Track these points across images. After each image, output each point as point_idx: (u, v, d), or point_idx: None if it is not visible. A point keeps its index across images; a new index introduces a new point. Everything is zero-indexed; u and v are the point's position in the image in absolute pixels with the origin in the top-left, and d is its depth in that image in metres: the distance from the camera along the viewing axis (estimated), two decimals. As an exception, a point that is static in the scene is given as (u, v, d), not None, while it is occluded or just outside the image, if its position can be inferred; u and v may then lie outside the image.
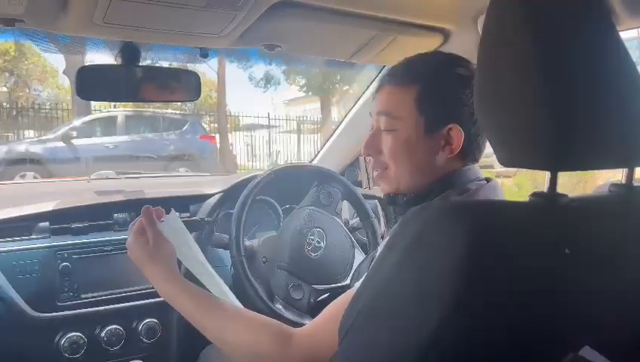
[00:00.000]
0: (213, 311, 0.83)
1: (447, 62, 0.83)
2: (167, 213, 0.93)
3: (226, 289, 0.97)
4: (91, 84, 1.10)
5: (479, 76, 0.54)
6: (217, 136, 9.60)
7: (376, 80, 1.57)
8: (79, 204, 1.35)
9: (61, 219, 1.28)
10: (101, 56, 1.21)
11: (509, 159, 0.53)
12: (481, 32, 0.54)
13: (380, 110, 0.84)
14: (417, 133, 0.81)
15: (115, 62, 1.13)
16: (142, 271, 0.89)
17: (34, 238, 1.24)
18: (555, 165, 0.50)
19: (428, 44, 1.20)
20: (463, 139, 0.79)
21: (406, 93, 0.81)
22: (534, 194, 0.52)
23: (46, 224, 1.26)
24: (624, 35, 0.95)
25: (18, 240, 1.22)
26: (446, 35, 1.19)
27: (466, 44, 1.14)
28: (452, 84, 0.80)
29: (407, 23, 1.13)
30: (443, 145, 0.80)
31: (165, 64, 1.38)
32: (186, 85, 1.19)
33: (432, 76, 0.82)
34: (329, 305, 0.77)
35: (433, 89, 0.81)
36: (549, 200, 0.51)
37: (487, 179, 0.84)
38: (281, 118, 11.63)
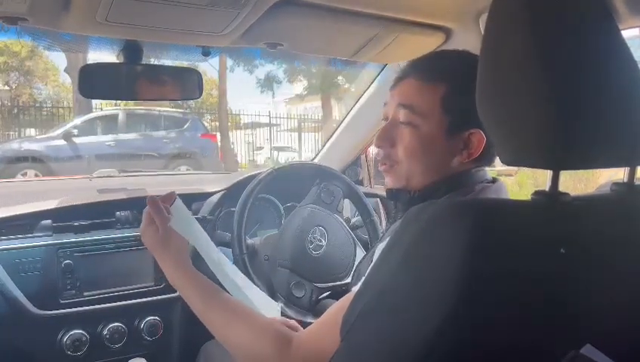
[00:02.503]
0: (218, 307, 0.83)
1: (473, 63, 0.81)
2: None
3: (234, 271, 0.96)
4: (93, 82, 1.10)
5: (481, 75, 0.54)
6: (218, 135, 9.61)
7: (377, 78, 1.57)
8: (81, 202, 1.35)
9: (63, 217, 1.29)
10: (103, 55, 1.21)
11: (510, 158, 0.53)
12: (483, 31, 0.54)
13: (402, 102, 0.81)
14: (439, 132, 0.79)
15: (118, 61, 1.14)
16: (155, 256, 0.89)
17: (36, 236, 1.24)
18: (556, 164, 0.50)
19: (430, 42, 1.20)
20: (484, 144, 0.78)
21: (432, 90, 0.79)
22: (536, 193, 0.52)
23: (48, 222, 1.26)
24: (626, 33, 0.95)
25: (20, 238, 1.23)
26: (448, 33, 1.18)
27: (468, 43, 1.14)
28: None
29: (409, 22, 1.13)
30: (461, 148, 0.79)
31: (167, 62, 1.38)
32: (187, 83, 1.19)
33: (460, 76, 0.78)
34: (328, 309, 0.76)
35: (460, 90, 0.77)
36: (550, 198, 0.51)
37: (494, 180, 0.83)
38: (282, 116, 11.63)
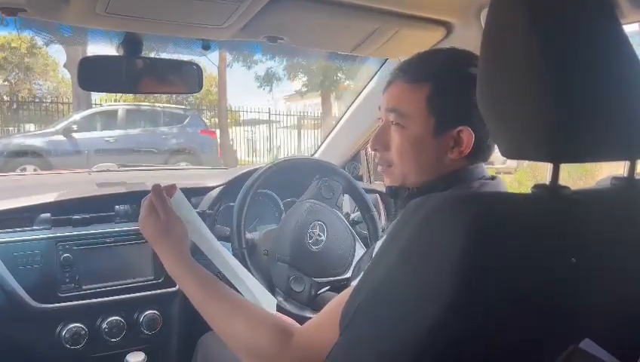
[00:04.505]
0: (217, 299, 0.82)
1: (460, 61, 0.81)
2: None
3: (235, 263, 0.96)
4: (93, 75, 1.10)
5: (481, 69, 0.54)
6: (218, 131, 9.60)
7: (377, 74, 1.57)
8: (81, 196, 1.35)
9: (62, 211, 1.29)
10: (103, 48, 1.21)
11: (511, 151, 0.53)
12: (484, 26, 0.54)
13: (389, 106, 0.83)
14: (426, 132, 0.80)
15: (117, 54, 1.13)
16: (153, 247, 0.88)
17: (35, 229, 1.24)
18: (557, 157, 0.50)
19: (430, 37, 1.20)
20: (473, 141, 0.79)
21: (417, 91, 0.80)
22: (536, 186, 0.52)
23: (47, 215, 1.26)
24: (627, 29, 0.95)
25: (19, 231, 1.22)
26: (449, 28, 1.18)
27: (468, 38, 1.14)
28: (464, 84, 0.77)
29: (410, 16, 1.12)
30: (452, 146, 0.79)
31: (167, 56, 1.38)
32: (187, 77, 1.19)
33: (444, 76, 0.80)
34: (328, 304, 0.76)
35: (445, 89, 0.79)
36: (551, 192, 0.51)
37: (493, 177, 0.84)
38: (282, 113, 11.61)
